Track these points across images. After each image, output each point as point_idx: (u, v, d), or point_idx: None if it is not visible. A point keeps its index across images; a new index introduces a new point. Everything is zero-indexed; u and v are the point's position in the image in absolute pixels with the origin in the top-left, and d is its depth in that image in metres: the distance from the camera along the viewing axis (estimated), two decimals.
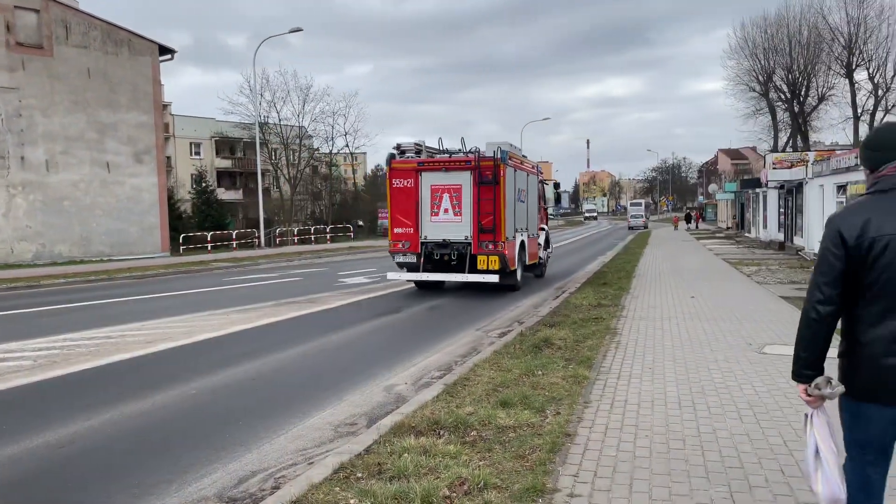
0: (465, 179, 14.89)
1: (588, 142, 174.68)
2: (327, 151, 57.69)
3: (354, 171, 67.86)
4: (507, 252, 14.87)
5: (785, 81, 45.36)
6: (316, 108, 68.91)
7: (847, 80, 42.72)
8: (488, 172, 14.69)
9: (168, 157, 52.73)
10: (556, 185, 23.10)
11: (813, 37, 43.02)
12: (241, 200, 60.75)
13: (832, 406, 2.97)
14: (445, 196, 15.03)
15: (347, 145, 57.13)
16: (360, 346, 10.10)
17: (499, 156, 14.82)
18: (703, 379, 7.02)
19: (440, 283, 16.35)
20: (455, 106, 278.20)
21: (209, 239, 37.28)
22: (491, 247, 14.70)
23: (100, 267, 25.21)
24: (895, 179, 2.85)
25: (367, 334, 11.02)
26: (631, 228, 62.61)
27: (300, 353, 9.47)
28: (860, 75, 42.51)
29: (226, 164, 63.79)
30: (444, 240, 15.10)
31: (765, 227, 35.85)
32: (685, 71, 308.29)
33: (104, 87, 30.10)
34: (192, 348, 9.89)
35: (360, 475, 4.59)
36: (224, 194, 57.85)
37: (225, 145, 63.35)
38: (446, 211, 15.04)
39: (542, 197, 19.80)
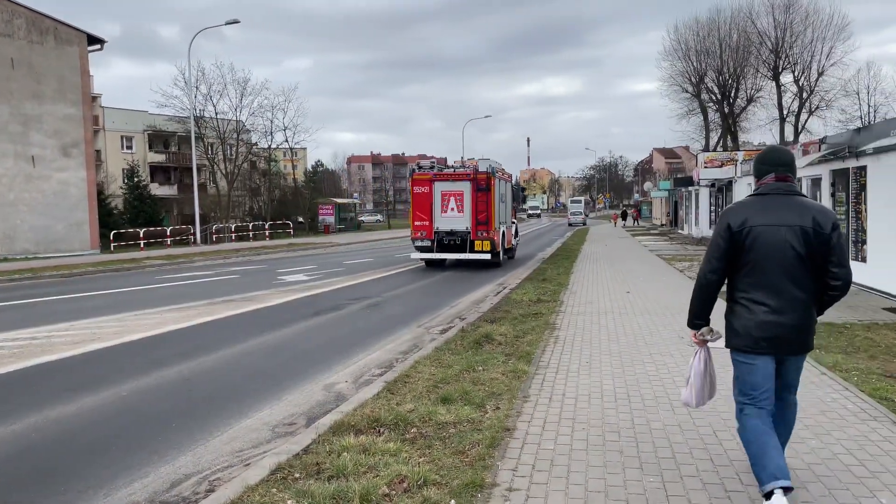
0: (466, 187, 20.48)
1: (528, 140, 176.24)
2: (266, 146, 56.57)
3: (294, 167, 66.77)
4: (495, 238, 20.45)
5: (716, 83, 46.94)
6: (254, 102, 67.56)
7: (774, 83, 44.53)
8: (483, 182, 20.40)
9: (98, 151, 50.84)
10: (522, 189, 29.74)
11: (742, 41, 44.67)
12: (176, 196, 59.07)
13: (715, 352, 4.29)
14: (452, 198, 20.53)
15: (287, 140, 56.07)
16: (299, 344, 9.96)
17: (490, 170, 20.60)
18: (637, 372, 7.20)
19: (442, 261, 22.00)
20: (396, 102, 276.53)
21: (142, 236, 36.09)
22: (484, 234, 20.28)
23: (24, 265, 24.09)
24: (770, 186, 3.94)
25: (307, 333, 10.88)
26: (571, 225, 63.83)
27: (237, 353, 9.28)
28: (786, 78, 44.44)
29: (159, 158, 61.87)
30: (451, 230, 20.52)
31: (697, 223, 37.00)
32: (619, 71, 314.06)
33: (29, 77, 28.77)
34: (123, 349, 9.57)
35: (297, 476, 4.52)
36: (158, 190, 56.10)
37: (158, 139, 61.43)
38: (452, 209, 20.52)
39: (514, 198, 25.27)
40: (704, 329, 4.09)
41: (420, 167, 21.43)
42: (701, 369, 4.24)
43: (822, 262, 3.79)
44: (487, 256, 20.40)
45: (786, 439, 4.13)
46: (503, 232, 21.66)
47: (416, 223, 20.86)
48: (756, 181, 4.08)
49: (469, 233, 20.40)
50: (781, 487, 3.62)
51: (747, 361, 3.91)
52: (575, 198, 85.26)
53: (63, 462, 5.30)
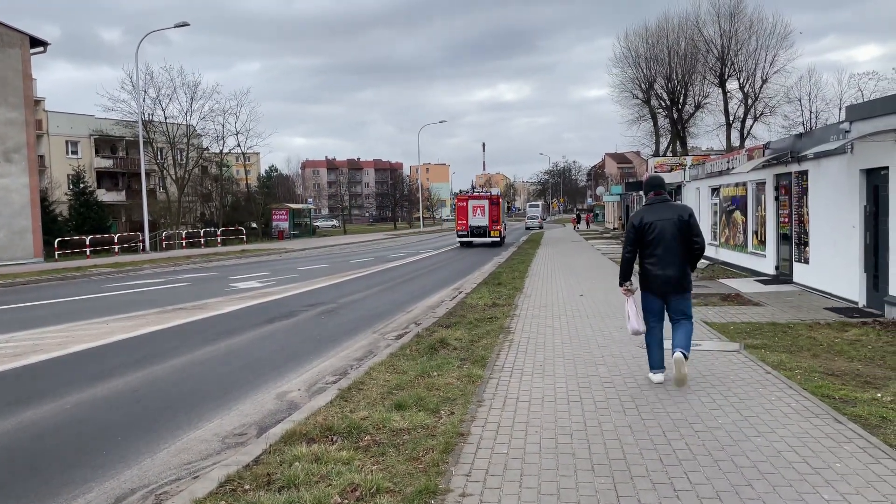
0: (485, 203, 37.07)
1: (483, 145, 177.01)
2: (217, 151, 55.58)
3: (247, 172, 65.75)
4: (500, 230, 37.27)
5: (665, 90, 47.81)
6: (205, 106, 66.35)
7: (720, 90, 45.61)
8: (495, 200, 37.42)
9: (41, 157, 49.20)
10: (509, 202, 58.85)
11: (689, 48, 45.62)
12: (125, 202, 57.54)
13: (637, 296, 6.94)
14: (478, 209, 36.99)
15: (239, 145, 55.19)
16: (251, 352, 9.79)
17: (498, 194, 39.03)
18: (590, 374, 7.28)
19: (471, 242, 37.67)
20: (350, 106, 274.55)
21: (88, 243, 35.03)
22: (496, 228, 36.84)
23: None
24: (653, 199, 6.83)
25: (260, 340, 10.71)
26: (528, 228, 65.14)
27: (187, 362, 9.07)
28: (732, 85, 45.47)
29: (107, 163, 60.15)
30: (478, 226, 36.88)
31: None
32: (570, 78, 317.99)
33: None
34: (67, 360, 9.27)
35: (247, 487, 4.44)
36: (105, 196, 54.47)
37: (105, 144, 59.74)
38: (478, 214, 36.99)
39: (507, 209, 50.12)
40: (629, 283, 6.94)
41: (461, 192, 41.39)
42: (635, 310, 6.95)
43: (688, 237, 6.62)
44: (497, 239, 37.40)
45: (688, 339, 6.68)
46: (502, 227, 38.99)
47: (459, 222, 37.87)
48: (646, 196, 7.03)
49: (487, 227, 37.31)
50: (657, 371, 6.82)
51: (647, 299, 6.86)
52: (532, 202, 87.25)
53: (0, 480, 5.08)
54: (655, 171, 29.55)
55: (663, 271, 6.59)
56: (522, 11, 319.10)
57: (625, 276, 6.94)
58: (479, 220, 37.26)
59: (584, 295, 14.10)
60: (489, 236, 37.17)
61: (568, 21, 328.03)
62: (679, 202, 6.70)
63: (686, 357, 6.47)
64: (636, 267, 6.91)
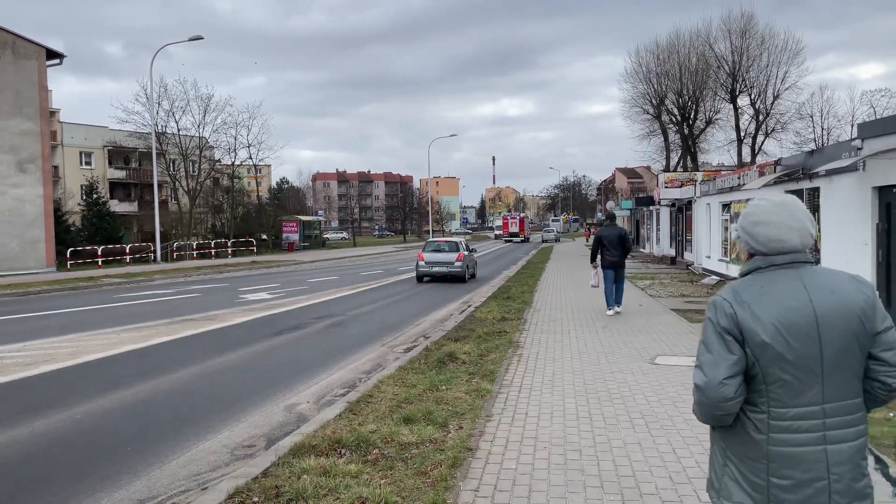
0: (518, 219, 79.91)
1: (493, 158, 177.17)
2: (229, 163, 55.98)
3: (258, 184, 66.14)
4: (526, 234, 79.55)
5: (676, 105, 47.75)
6: (217, 119, 66.75)
7: (731, 105, 45.54)
8: (522, 219, 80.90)
9: (55, 167, 49.70)
10: (528, 219, 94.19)
11: (701, 64, 45.59)
12: (137, 213, 57.94)
13: (599, 270, 13.78)
14: (514, 223, 78.52)
15: (251, 157, 55.62)
16: (260, 364, 9.81)
17: (525, 215, 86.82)
18: (599, 390, 7.25)
19: (508, 241, 75.19)
20: (354, 120, 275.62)
21: (100, 253, 35.28)
22: (523, 234, 77.52)
23: None
24: (609, 224, 14.22)
25: (269, 352, 10.73)
26: (544, 241, 72.67)
27: (196, 373, 9.10)
28: (743, 101, 45.32)
29: (120, 174, 60.70)
30: (514, 232, 77.39)
31: (658, 242, 37.57)
32: (571, 94, 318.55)
33: None
34: (77, 370, 9.32)
35: (256, 499, 4.44)
36: (118, 206, 54.92)
37: (119, 155, 60.30)
38: (514, 226, 77.99)
39: (528, 222, 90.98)
40: (595, 262, 13.95)
41: (504, 214, 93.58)
42: (595, 275, 14.22)
43: (623, 243, 13.43)
44: (524, 240, 75.04)
45: (620, 296, 13.49)
46: (527, 233, 78.96)
47: (503, 231, 79.19)
48: (605, 220, 14.93)
49: (518, 232, 75.63)
50: (613, 310, 13.29)
51: (606, 272, 13.36)
52: (554, 218, 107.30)
53: (10, 490, 5.11)
54: (666, 187, 29.57)
55: (612, 258, 13.12)
56: (514, 29, 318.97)
57: (592, 259, 13.92)
58: (514, 228, 75.53)
59: (595, 311, 14.06)
60: (519, 237, 74.01)
61: (564, 38, 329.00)
62: (621, 226, 15.74)
63: (619, 307, 13.27)
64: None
